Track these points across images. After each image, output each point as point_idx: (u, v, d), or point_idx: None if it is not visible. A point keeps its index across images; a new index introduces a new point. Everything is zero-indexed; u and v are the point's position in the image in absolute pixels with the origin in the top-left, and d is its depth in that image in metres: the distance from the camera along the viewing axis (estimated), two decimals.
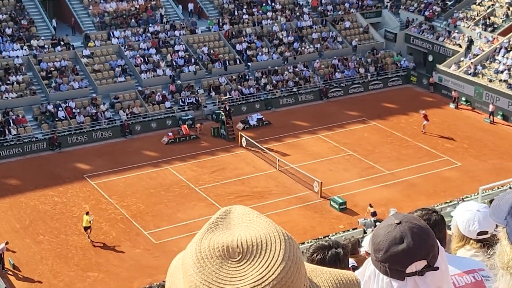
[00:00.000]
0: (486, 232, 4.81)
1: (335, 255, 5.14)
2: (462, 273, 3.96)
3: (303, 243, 30.31)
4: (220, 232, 1.99)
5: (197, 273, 1.92)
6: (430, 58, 58.41)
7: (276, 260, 1.92)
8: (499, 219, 2.28)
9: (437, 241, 2.70)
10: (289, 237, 2.00)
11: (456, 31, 58.18)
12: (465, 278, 3.95)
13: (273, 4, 60.19)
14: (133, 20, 55.64)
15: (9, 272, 32.91)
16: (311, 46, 58.05)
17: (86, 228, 35.44)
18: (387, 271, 2.65)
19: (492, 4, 59.23)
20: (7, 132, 44.94)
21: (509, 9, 57.92)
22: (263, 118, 49.77)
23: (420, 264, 2.61)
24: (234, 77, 53.47)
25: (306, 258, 5.17)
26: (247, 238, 1.95)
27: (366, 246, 2.66)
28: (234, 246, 1.94)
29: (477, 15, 59.06)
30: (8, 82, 48.27)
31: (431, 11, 61.58)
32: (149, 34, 54.89)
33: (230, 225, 2.01)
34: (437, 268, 2.63)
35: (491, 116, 50.05)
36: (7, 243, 33.82)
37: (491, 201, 20.16)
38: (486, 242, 4.81)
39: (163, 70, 52.41)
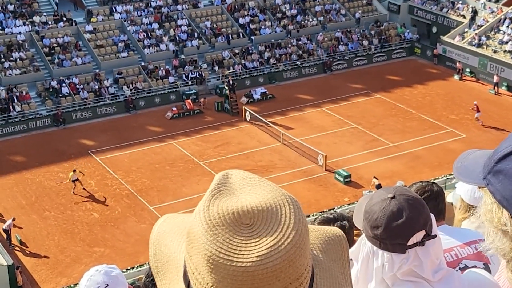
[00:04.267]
0: None
1: (340, 227, 5.17)
2: (463, 245, 3.99)
3: (308, 216, 30.42)
4: (225, 198, 1.98)
5: (211, 241, 1.91)
6: (434, 29, 58.11)
7: (289, 223, 1.92)
8: (472, 179, 2.32)
9: (436, 209, 2.72)
10: (294, 200, 1.99)
11: (460, 1, 57.80)
12: (467, 249, 3.97)
13: None
14: None
15: (16, 248, 33.13)
16: (314, 19, 57.79)
17: (75, 180, 37.79)
18: (388, 246, 2.65)
19: None
20: (11, 109, 44.99)
21: None
22: (267, 92, 49.69)
23: (420, 235, 2.63)
24: (237, 51, 53.31)
25: None
26: (256, 203, 1.94)
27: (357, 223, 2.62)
28: (245, 212, 1.92)
29: None
30: (11, 58, 48.22)
31: None
32: (151, 9, 54.69)
33: (234, 190, 2.00)
34: (435, 236, 2.66)
35: (496, 87, 49.90)
36: (14, 219, 34.02)
37: None
38: None
39: (166, 45, 52.27)
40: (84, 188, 37.75)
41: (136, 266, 30.18)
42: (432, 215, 2.71)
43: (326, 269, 2.12)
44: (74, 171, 37.94)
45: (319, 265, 2.11)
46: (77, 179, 37.72)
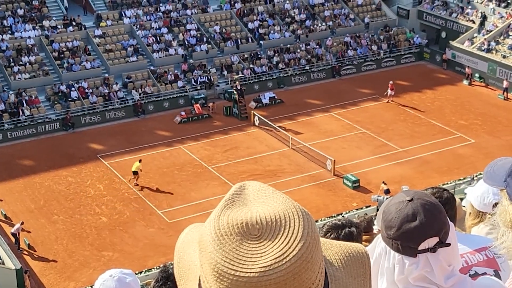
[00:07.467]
0: None
1: (349, 234, 5.15)
2: (473, 251, 3.96)
3: (316, 221, 30.34)
4: (237, 208, 1.99)
5: (217, 250, 1.93)
6: (443, 34, 58.02)
7: (296, 236, 1.93)
8: (496, 182, 2.36)
9: (447, 217, 2.70)
10: (306, 213, 2.00)
11: (469, 7, 57.71)
12: (477, 256, 3.94)
13: None
14: None
15: (25, 252, 33.20)
16: (323, 23, 57.80)
17: (134, 173, 38.63)
18: (399, 248, 2.65)
19: None
20: (20, 113, 45.12)
21: None
22: (276, 97, 49.69)
23: (432, 241, 2.62)
24: (246, 56, 53.36)
25: None
26: (266, 215, 1.95)
27: (377, 223, 2.67)
28: (253, 223, 1.94)
29: None
30: (21, 63, 48.40)
31: None
32: (160, 13, 54.81)
33: (247, 201, 2.01)
34: (449, 244, 2.64)
35: (505, 92, 49.76)
36: (22, 223, 34.09)
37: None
38: None
39: (175, 50, 52.37)
40: (136, 184, 38.61)
41: (144, 270, 30.22)
42: (451, 224, 2.70)
43: (343, 285, 2.12)
44: (140, 161, 39.07)
45: (335, 281, 2.10)
46: (137, 173, 38.60)
